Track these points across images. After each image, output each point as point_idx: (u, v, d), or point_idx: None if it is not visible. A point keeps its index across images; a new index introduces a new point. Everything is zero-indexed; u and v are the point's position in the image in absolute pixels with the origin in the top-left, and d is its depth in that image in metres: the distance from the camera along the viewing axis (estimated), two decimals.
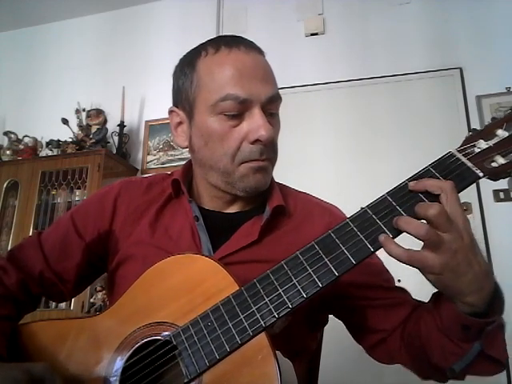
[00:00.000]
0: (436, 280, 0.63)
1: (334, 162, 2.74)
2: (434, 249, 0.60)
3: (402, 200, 0.65)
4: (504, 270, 2.33)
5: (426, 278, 0.63)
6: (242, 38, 0.88)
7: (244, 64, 0.82)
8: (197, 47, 0.89)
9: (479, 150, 0.66)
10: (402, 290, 0.88)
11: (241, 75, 0.81)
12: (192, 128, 0.87)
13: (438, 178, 0.65)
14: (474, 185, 2.46)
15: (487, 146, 0.66)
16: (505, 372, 2.22)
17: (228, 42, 0.85)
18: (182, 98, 0.88)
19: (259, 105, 0.81)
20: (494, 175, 0.65)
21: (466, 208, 2.49)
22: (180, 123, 0.91)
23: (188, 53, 0.91)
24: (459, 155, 0.67)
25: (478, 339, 0.66)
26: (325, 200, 0.99)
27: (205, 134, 0.84)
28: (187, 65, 0.88)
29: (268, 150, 0.83)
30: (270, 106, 0.84)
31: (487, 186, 2.45)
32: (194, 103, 0.86)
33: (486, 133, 0.67)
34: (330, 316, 0.96)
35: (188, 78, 0.87)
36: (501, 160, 0.65)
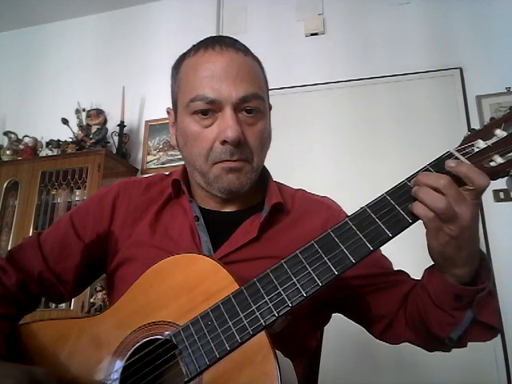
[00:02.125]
0: (440, 250, 0.66)
1: (334, 161, 2.74)
2: (449, 223, 0.63)
3: (401, 199, 0.66)
4: (504, 270, 2.33)
5: (432, 245, 0.66)
6: (225, 37, 0.89)
7: (215, 64, 0.83)
8: (188, 49, 0.91)
9: (478, 149, 0.67)
10: (400, 272, 0.91)
11: (211, 76, 0.82)
12: (176, 128, 0.90)
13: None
14: None
15: (486, 146, 0.66)
16: (505, 372, 2.22)
17: (208, 42, 0.86)
18: (172, 100, 0.92)
19: (230, 105, 0.81)
20: (493, 175, 0.65)
21: None
22: (173, 123, 0.93)
23: (180, 55, 0.93)
24: (458, 154, 0.67)
25: (470, 307, 0.69)
26: (319, 194, 0.99)
27: (183, 134, 0.86)
28: (175, 67, 0.91)
29: (241, 151, 0.83)
30: (245, 105, 0.83)
31: None
32: (177, 104, 0.89)
33: (485, 132, 0.68)
34: (331, 317, 0.96)
35: (175, 80, 0.90)
36: (499, 159, 0.65)
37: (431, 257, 0.70)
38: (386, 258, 0.92)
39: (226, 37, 0.89)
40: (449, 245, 0.64)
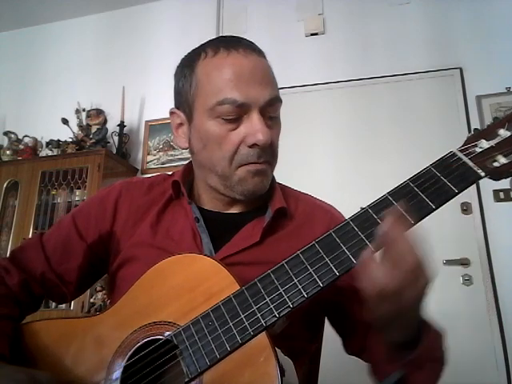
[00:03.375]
0: (376, 319, 0.65)
1: (334, 161, 2.74)
2: (392, 301, 0.60)
3: (404, 200, 0.65)
4: (504, 270, 2.34)
5: (367, 311, 0.64)
6: (242, 39, 0.88)
7: (242, 67, 0.82)
8: (197, 48, 0.89)
9: (481, 149, 0.66)
10: None
11: (239, 79, 0.81)
12: (191, 130, 0.88)
13: (441, 179, 0.65)
14: (474, 185, 2.46)
15: (489, 146, 0.66)
16: (505, 372, 2.22)
17: (227, 44, 0.85)
18: (182, 100, 0.88)
19: (257, 108, 0.81)
20: (496, 175, 0.65)
21: (465, 208, 2.49)
22: (181, 124, 0.91)
23: (188, 54, 0.91)
24: (461, 155, 0.66)
25: (400, 368, 0.67)
26: (326, 201, 0.99)
27: (203, 136, 0.84)
28: (187, 66, 0.88)
29: (266, 154, 0.83)
30: (269, 109, 0.83)
31: (487, 186, 2.45)
32: (193, 106, 0.86)
33: (488, 132, 0.67)
34: None
35: (187, 81, 0.87)
36: (503, 160, 0.64)
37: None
38: None
39: (242, 38, 0.88)
40: (383, 319, 0.63)
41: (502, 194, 2.45)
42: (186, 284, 0.71)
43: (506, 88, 2.58)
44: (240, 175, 0.83)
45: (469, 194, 2.47)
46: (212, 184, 0.87)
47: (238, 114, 0.81)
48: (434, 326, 0.71)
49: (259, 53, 0.86)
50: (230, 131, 0.82)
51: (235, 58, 0.82)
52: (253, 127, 0.80)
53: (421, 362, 0.67)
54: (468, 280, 2.40)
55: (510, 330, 2.26)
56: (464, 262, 2.42)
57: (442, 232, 2.48)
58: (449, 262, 2.42)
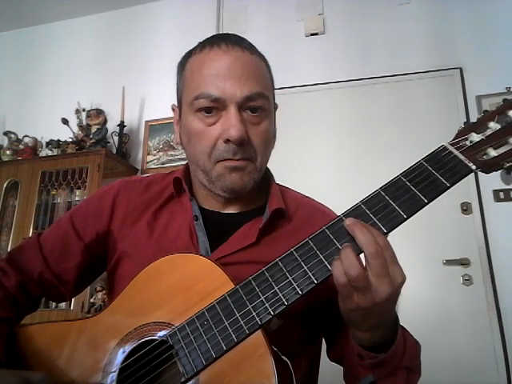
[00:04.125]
0: (345, 312, 0.65)
1: (334, 161, 2.74)
2: (360, 293, 0.60)
3: (396, 194, 0.65)
4: (504, 270, 2.33)
5: (339, 305, 0.65)
6: (231, 35, 0.88)
7: (221, 63, 0.82)
8: (194, 46, 0.91)
9: (471, 142, 0.66)
10: None
11: (216, 74, 0.81)
12: (181, 125, 0.90)
13: (433, 173, 0.65)
14: (474, 185, 2.47)
15: (479, 139, 0.66)
16: (505, 372, 2.22)
17: (214, 40, 0.86)
18: (177, 97, 0.91)
19: (234, 104, 0.80)
20: (487, 168, 0.65)
21: (465, 208, 2.49)
22: (178, 121, 0.92)
23: (186, 52, 0.92)
24: (452, 148, 0.66)
25: (371, 371, 0.68)
26: (327, 206, 0.98)
27: (187, 131, 0.86)
28: (181, 64, 0.90)
29: (244, 150, 0.82)
30: (250, 104, 0.82)
31: (487, 185, 2.45)
32: (181, 101, 0.88)
33: (479, 125, 0.67)
34: None
35: (180, 77, 0.89)
36: (493, 152, 0.64)
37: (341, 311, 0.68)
38: None
39: (233, 34, 0.88)
40: (355, 312, 0.63)
41: (501, 194, 2.45)
42: (181, 284, 0.71)
43: (506, 88, 2.57)
44: (218, 171, 0.83)
45: (469, 194, 2.47)
46: (200, 179, 0.88)
47: (215, 110, 0.81)
48: (409, 335, 0.71)
49: (246, 49, 0.85)
50: (209, 126, 0.82)
51: (215, 54, 0.83)
52: (227, 122, 0.80)
53: (393, 367, 0.68)
54: (468, 280, 2.40)
55: (510, 329, 2.26)
56: (464, 262, 2.42)
57: (442, 232, 2.48)
58: (449, 262, 2.42)
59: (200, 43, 0.88)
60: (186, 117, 0.86)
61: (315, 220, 0.90)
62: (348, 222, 0.64)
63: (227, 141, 0.80)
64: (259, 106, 0.83)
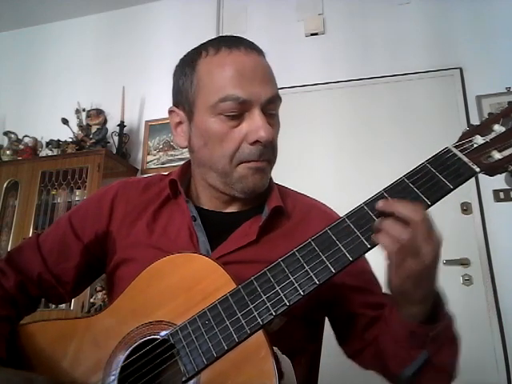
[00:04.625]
0: (398, 285, 0.66)
1: (334, 161, 2.74)
2: (412, 258, 0.62)
3: (399, 196, 0.66)
4: (504, 270, 2.33)
5: (391, 278, 0.66)
6: (243, 38, 0.88)
7: (244, 65, 0.82)
8: (197, 47, 0.89)
9: (476, 145, 0.66)
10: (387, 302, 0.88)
11: (241, 76, 0.81)
12: (192, 128, 0.87)
13: (436, 175, 0.65)
14: (474, 185, 2.47)
15: (484, 142, 0.66)
16: (505, 372, 2.22)
17: (228, 42, 0.85)
18: (182, 98, 0.88)
19: (259, 106, 0.81)
20: (491, 170, 0.65)
21: (465, 208, 2.49)
22: (180, 123, 0.90)
23: (188, 53, 0.91)
24: (456, 151, 0.67)
25: (424, 347, 0.68)
26: (323, 202, 0.99)
27: (204, 134, 0.84)
28: (188, 65, 0.88)
29: (267, 152, 0.83)
30: (270, 107, 0.84)
31: (487, 185, 2.45)
32: (194, 104, 0.86)
33: (483, 128, 0.67)
34: None
35: (188, 79, 0.87)
36: (497, 155, 0.65)
37: (389, 291, 0.69)
38: (378, 282, 0.91)
39: (243, 38, 0.88)
40: (408, 280, 0.64)
41: (502, 194, 2.45)
42: (183, 283, 0.71)
43: (506, 88, 2.58)
44: (240, 172, 0.83)
45: (469, 194, 2.47)
46: (211, 182, 0.87)
47: (239, 111, 0.81)
48: (446, 305, 0.72)
49: (259, 52, 0.87)
50: (232, 128, 0.82)
51: (237, 56, 0.83)
52: (255, 124, 0.80)
53: (441, 340, 0.69)
54: (468, 280, 2.40)
55: (510, 329, 2.26)
56: (464, 262, 2.42)
57: (442, 232, 2.48)
58: (449, 262, 2.42)
59: (209, 45, 0.86)
60: (204, 119, 0.84)
61: (312, 216, 0.91)
62: (381, 203, 0.65)
63: (255, 142, 0.81)
64: (276, 108, 0.86)
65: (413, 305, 0.67)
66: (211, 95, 0.82)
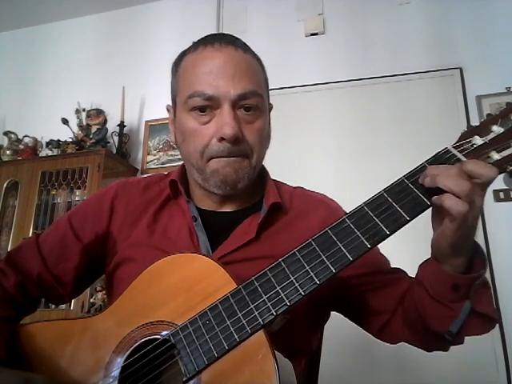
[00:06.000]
0: (454, 240, 0.65)
1: (334, 161, 2.74)
2: (471, 208, 0.62)
3: (399, 197, 0.66)
4: (504, 270, 2.33)
5: (448, 234, 0.65)
6: (226, 35, 0.89)
7: (214, 61, 0.82)
8: (188, 46, 0.91)
9: (475, 145, 0.67)
10: (397, 270, 0.90)
11: (209, 72, 0.82)
12: (175, 125, 0.90)
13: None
14: None
15: (483, 142, 0.66)
16: (505, 372, 2.22)
17: (208, 39, 0.86)
18: (172, 96, 0.92)
19: (228, 102, 0.81)
20: None
21: None
22: (173, 120, 0.93)
23: (181, 52, 0.93)
24: (455, 151, 0.67)
25: (467, 298, 0.69)
26: (317, 191, 0.99)
27: (182, 130, 0.86)
28: (175, 63, 0.91)
29: (239, 148, 0.82)
30: (245, 103, 0.83)
31: None
32: (175, 100, 0.89)
33: (482, 129, 0.68)
34: (330, 315, 0.96)
35: (174, 77, 0.90)
36: (496, 156, 0.65)
37: (437, 249, 0.69)
38: (383, 256, 0.91)
39: (227, 34, 0.89)
40: (463, 235, 0.64)
41: (501, 194, 2.45)
42: (183, 283, 0.71)
43: (506, 88, 2.57)
44: (212, 167, 0.83)
45: None
46: (195, 178, 0.88)
47: (210, 108, 0.82)
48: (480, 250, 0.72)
49: (239, 47, 0.86)
50: (203, 125, 0.83)
51: (208, 52, 0.84)
52: (221, 121, 0.81)
53: (480, 288, 0.70)
54: None
55: (510, 329, 2.26)
56: None
57: None
58: None
59: (194, 43, 0.89)
60: (180, 116, 0.86)
61: (309, 208, 0.92)
62: (429, 173, 0.64)
63: (221, 139, 0.80)
64: (253, 104, 0.84)
65: (460, 256, 0.68)
66: (184, 92, 0.84)
